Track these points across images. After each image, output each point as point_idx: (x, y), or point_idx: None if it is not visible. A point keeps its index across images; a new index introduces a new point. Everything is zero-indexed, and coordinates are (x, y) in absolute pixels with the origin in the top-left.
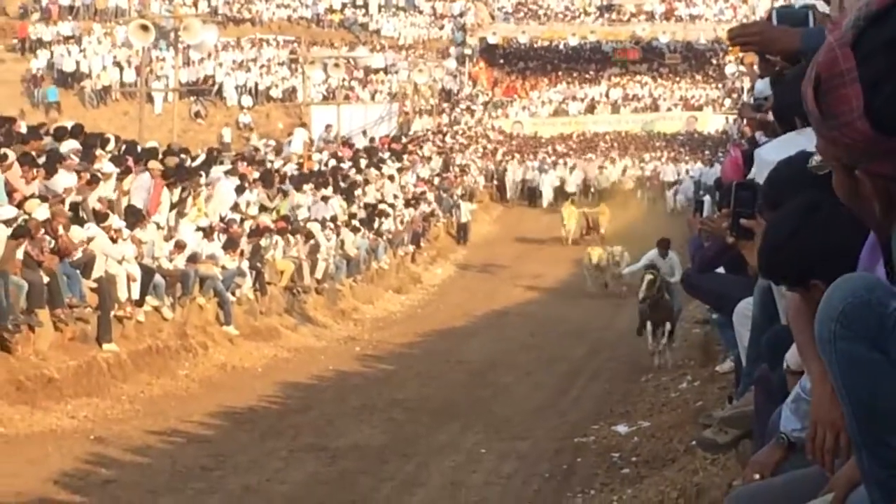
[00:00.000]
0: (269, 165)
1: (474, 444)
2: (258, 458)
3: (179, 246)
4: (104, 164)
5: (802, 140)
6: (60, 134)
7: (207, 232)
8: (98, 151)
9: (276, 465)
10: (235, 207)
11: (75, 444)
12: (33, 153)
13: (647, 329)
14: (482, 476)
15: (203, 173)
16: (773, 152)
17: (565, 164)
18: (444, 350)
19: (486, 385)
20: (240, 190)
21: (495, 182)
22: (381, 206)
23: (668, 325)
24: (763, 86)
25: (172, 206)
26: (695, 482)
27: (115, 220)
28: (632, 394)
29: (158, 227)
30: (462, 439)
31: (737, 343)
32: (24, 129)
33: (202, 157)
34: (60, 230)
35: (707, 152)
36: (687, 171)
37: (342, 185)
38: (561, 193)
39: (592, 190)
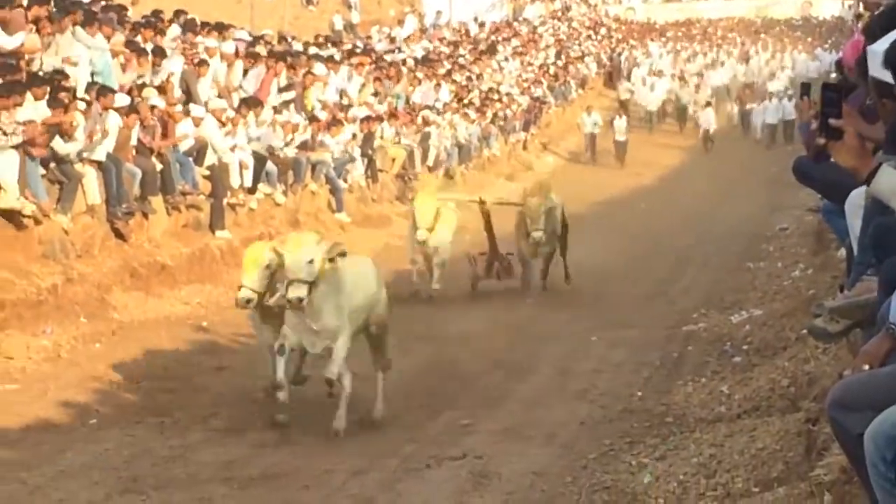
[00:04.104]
0: (380, 53)
1: (583, 331)
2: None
3: (292, 128)
4: (208, 42)
5: None
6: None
7: (319, 119)
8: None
9: None
10: (347, 95)
11: (188, 330)
12: (140, 40)
13: None
14: (591, 364)
15: (314, 61)
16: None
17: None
18: None
19: (595, 272)
20: (351, 77)
21: (606, 69)
22: (493, 93)
23: None
24: None
25: (287, 102)
26: (806, 371)
27: (227, 106)
28: (743, 282)
29: (274, 111)
30: (571, 327)
31: (847, 232)
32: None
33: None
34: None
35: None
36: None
37: (453, 71)
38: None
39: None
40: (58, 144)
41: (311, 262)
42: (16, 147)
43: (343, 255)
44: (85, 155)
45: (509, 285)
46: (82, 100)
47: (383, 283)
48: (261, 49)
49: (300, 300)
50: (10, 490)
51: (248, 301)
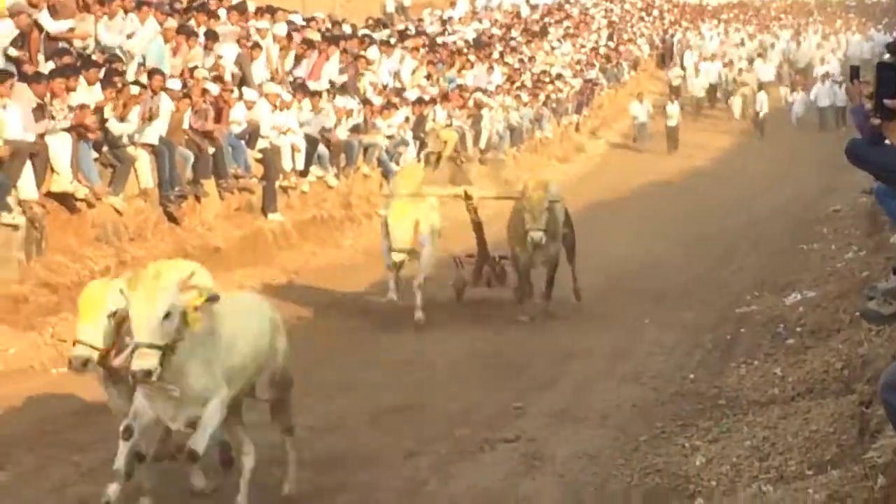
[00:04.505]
0: (432, 35)
1: (635, 315)
2: (420, 328)
3: (346, 113)
4: (259, 24)
5: None
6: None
7: (372, 103)
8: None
9: (438, 336)
10: (399, 78)
11: None
12: (194, 25)
13: None
14: (644, 346)
15: (368, 43)
16: None
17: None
18: (605, 218)
19: (645, 256)
20: (403, 60)
21: (659, 50)
22: (545, 76)
23: None
24: None
25: (339, 86)
26: (859, 353)
27: (279, 90)
28: (796, 264)
29: (330, 93)
30: (623, 310)
31: None
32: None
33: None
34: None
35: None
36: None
37: (505, 54)
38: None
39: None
40: (113, 125)
41: (167, 317)
42: (69, 130)
43: (214, 299)
44: (137, 138)
45: (502, 295)
46: (135, 83)
47: (281, 328)
48: (313, 34)
49: (148, 374)
50: (63, 473)
51: (86, 362)
